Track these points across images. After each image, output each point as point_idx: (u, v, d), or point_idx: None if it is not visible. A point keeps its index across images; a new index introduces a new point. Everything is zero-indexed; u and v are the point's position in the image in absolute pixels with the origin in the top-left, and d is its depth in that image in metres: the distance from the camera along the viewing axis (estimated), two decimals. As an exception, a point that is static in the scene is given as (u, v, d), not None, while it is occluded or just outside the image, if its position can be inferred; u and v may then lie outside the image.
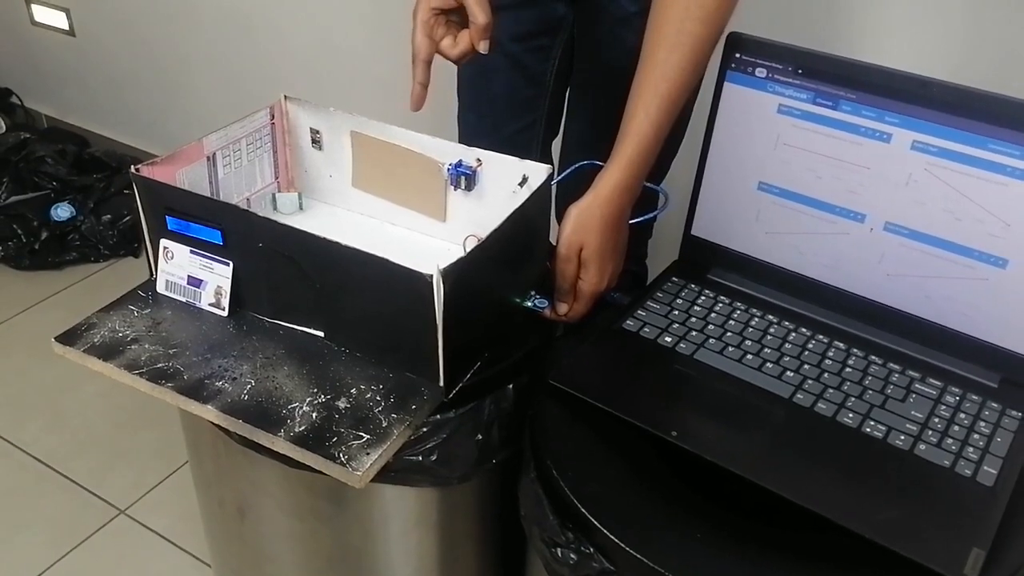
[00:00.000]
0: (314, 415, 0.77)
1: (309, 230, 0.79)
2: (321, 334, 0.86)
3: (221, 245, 0.86)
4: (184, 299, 0.90)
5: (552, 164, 1.34)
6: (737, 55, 0.89)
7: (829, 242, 0.90)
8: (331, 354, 0.84)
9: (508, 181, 0.94)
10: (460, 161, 0.95)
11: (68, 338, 0.85)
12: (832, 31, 1.38)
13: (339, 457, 0.73)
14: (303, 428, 0.76)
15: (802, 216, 0.91)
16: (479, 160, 0.94)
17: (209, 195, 0.96)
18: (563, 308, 0.91)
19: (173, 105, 2.27)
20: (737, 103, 0.90)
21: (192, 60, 2.14)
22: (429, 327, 0.78)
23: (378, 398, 0.80)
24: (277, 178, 1.06)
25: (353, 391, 0.80)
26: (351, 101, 1.83)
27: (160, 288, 0.91)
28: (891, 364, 0.86)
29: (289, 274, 0.84)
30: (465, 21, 0.95)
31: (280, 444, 0.75)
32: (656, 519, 0.74)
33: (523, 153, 1.23)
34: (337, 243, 0.78)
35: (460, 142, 0.99)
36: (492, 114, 1.25)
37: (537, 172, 0.92)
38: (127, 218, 2.15)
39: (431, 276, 0.74)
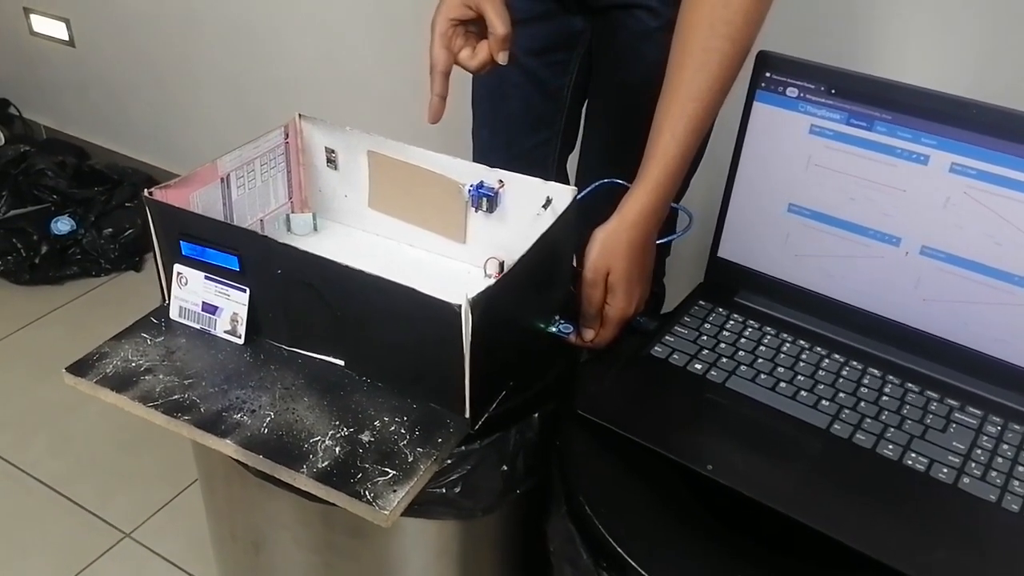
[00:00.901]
0: (337, 449, 0.75)
1: (325, 253, 0.77)
2: (341, 363, 0.83)
3: (238, 271, 0.83)
4: (199, 326, 0.87)
5: (568, 180, 1.33)
6: (767, 74, 0.87)
7: (862, 266, 0.88)
8: (352, 384, 0.82)
9: (531, 203, 0.91)
10: (481, 182, 0.92)
11: (79, 368, 0.82)
12: (849, 46, 1.36)
13: (365, 495, 0.71)
14: (326, 464, 0.73)
15: (834, 239, 0.88)
16: (501, 181, 0.92)
17: (223, 218, 0.94)
18: (589, 334, 0.89)
19: (175, 117, 2.24)
20: (767, 123, 0.88)
21: (195, 71, 2.12)
22: (456, 357, 0.75)
23: (403, 431, 0.77)
24: (291, 198, 1.03)
25: (376, 423, 0.77)
26: (357, 115, 1.81)
27: (173, 315, 0.88)
28: (928, 392, 0.83)
29: (308, 302, 0.81)
30: (483, 32, 0.93)
31: (302, 481, 0.72)
32: (694, 558, 0.71)
33: (539, 170, 1.20)
34: (360, 271, 0.75)
35: (474, 159, 0.97)
36: (507, 130, 1.23)
37: (561, 194, 0.89)
38: (129, 232, 2.12)
39: (459, 306, 0.72)
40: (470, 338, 0.73)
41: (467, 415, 0.79)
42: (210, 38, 2.03)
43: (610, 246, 0.86)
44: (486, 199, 0.92)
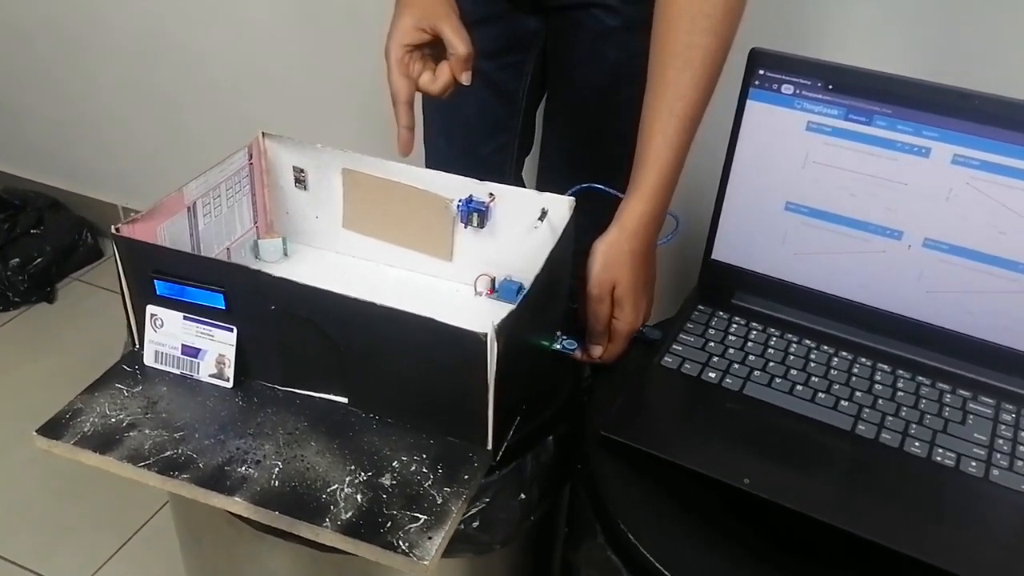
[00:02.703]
0: (359, 497, 0.69)
1: (299, 279, 0.71)
2: (344, 401, 0.78)
3: (223, 310, 0.76)
4: (179, 371, 0.80)
5: (524, 185, 1.29)
6: (761, 72, 0.85)
7: (864, 261, 0.87)
8: (359, 423, 0.76)
9: (524, 216, 0.87)
10: (471, 196, 0.88)
11: (52, 430, 0.74)
12: (832, 39, 1.33)
13: (399, 545, 0.65)
14: (350, 514, 0.67)
15: (834, 235, 0.87)
16: (492, 194, 0.87)
17: (191, 249, 0.87)
18: (598, 351, 0.85)
19: (79, 134, 2.10)
20: (761, 122, 0.86)
21: (101, 83, 1.98)
22: (478, 388, 0.70)
23: (424, 470, 0.72)
24: (255, 223, 0.96)
25: (395, 464, 0.72)
26: (289, 127, 1.71)
27: (148, 361, 0.80)
28: (940, 384, 0.83)
29: (306, 338, 0.75)
30: (440, 53, 0.88)
31: (327, 536, 0.67)
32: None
33: (497, 175, 1.16)
34: (369, 303, 0.70)
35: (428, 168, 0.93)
36: (465, 137, 1.18)
37: (558, 205, 0.85)
38: (38, 260, 1.97)
39: (485, 335, 0.67)
40: (495, 367, 0.69)
41: (489, 447, 0.74)
42: (118, 47, 1.90)
43: (613, 258, 0.83)
44: (476, 214, 0.88)
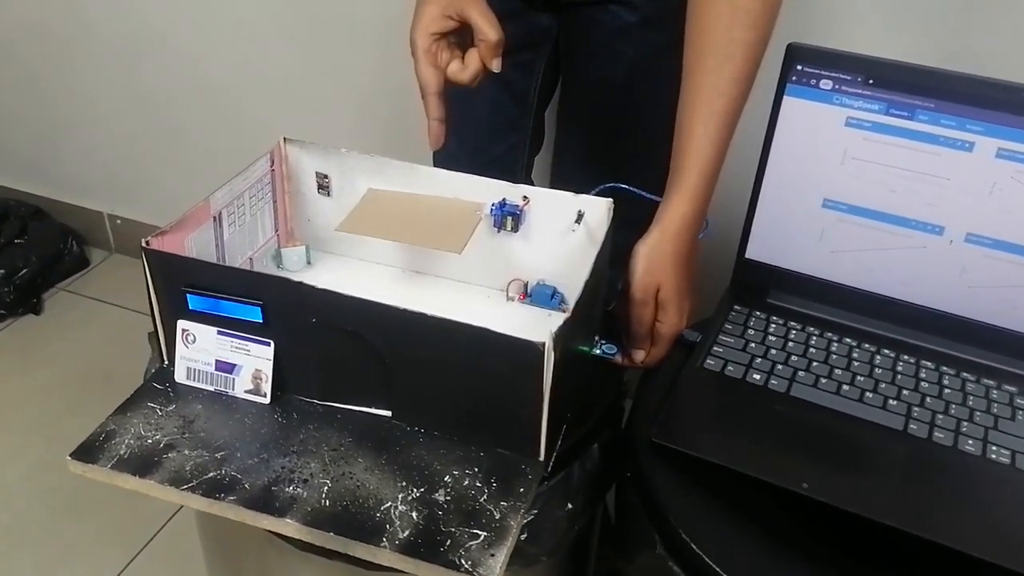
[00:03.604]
0: (414, 515, 0.67)
1: (325, 287, 0.69)
2: (388, 414, 0.75)
3: (260, 323, 0.73)
4: (213, 388, 0.77)
5: (532, 183, 1.26)
6: (798, 67, 0.83)
7: (904, 257, 0.86)
8: (405, 437, 0.74)
9: (560, 218, 0.85)
10: (504, 200, 0.85)
11: (86, 453, 0.71)
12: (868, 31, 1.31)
13: (462, 564, 0.63)
14: (407, 533, 0.65)
15: (873, 232, 0.86)
16: (526, 197, 0.85)
17: (216, 260, 0.83)
18: (640, 355, 0.84)
19: (61, 141, 2.04)
20: (799, 118, 0.85)
21: (84, 90, 1.93)
22: (533, 398, 0.68)
23: (478, 484, 0.70)
24: (277, 231, 0.93)
25: (447, 479, 0.70)
26: (276, 125, 1.67)
27: (180, 377, 0.77)
28: (984, 380, 0.82)
29: (349, 350, 0.72)
30: (467, 41, 0.86)
31: (385, 556, 0.64)
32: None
33: (509, 176, 1.14)
34: (421, 313, 0.67)
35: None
36: (476, 137, 1.16)
37: (595, 207, 0.83)
38: (23, 271, 1.92)
39: (543, 344, 0.65)
40: (551, 376, 0.67)
41: (541, 457, 0.72)
42: (101, 51, 1.85)
43: (656, 261, 0.81)
44: (511, 217, 0.85)
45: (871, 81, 0.81)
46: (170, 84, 1.82)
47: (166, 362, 0.79)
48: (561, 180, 1.21)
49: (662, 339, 0.83)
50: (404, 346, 0.70)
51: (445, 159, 1.18)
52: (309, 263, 0.93)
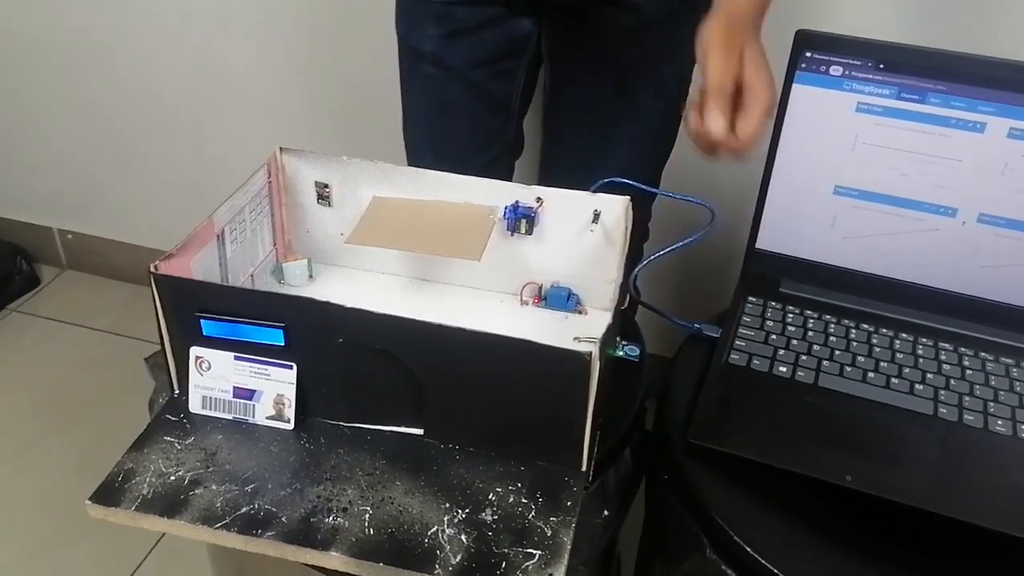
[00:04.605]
0: (463, 538, 0.64)
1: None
2: (419, 432, 0.72)
3: (282, 346, 0.70)
4: (232, 416, 0.73)
5: None
6: (807, 54, 0.83)
7: (916, 240, 0.86)
8: (441, 455, 0.71)
9: (575, 219, 0.83)
10: (517, 203, 0.83)
11: (106, 496, 0.66)
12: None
13: (522, 586, 0.61)
14: (460, 558, 0.63)
15: (885, 217, 0.86)
16: (539, 199, 0.83)
17: (220, 280, 0.80)
18: (719, 122, 0.69)
19: (5, 157, 1.95)
20: (808, 105, 0.84)
21: (27, 102, 1.84)
22: (577, 409, 0.66)
23: (524, 500, 0.67)
24: (275, 245, 0.90)
25: (491, 497, 0.67)
26: (230, 133, 1.60)
27: (195, 407, 0.74)
28: (1003, 359, 0.83)
29: (378, 370, 0.70)
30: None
31: (441, 584, 0.62)
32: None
33: None
34: (459, 328, 0.65)
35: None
36: (456, 151, 1.10)
37: (612, 206, 0.81)
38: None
39: (589, 353, 0.63)
40: (595, 385, 0.65)
41: (583, 467, 0.70)
42: (43, 61, 1.77)
43: (738, 23, 0.70)
44: (525, 220, 0.83)
45: (881, 66, 0.81)
46: (118, 95, 1.75)
47: (176, 391, 0.75)
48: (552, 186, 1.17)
49: (757, 103, 0.70)
50: (439, 363, 0.67)
51: None
52: (311, 277, 0.89)
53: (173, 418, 0.73)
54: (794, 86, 0.84)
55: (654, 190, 0.98)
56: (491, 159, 1.14)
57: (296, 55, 1.56)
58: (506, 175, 1.17)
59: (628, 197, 0.81)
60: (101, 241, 1.97)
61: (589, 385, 0.65)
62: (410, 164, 1.10)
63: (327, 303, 0.67)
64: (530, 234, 0.84)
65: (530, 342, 0.64)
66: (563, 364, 0.64)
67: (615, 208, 0.82)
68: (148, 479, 0.68)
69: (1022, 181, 0.80)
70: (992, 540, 0.67)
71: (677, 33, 0.93)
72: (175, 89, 1.69)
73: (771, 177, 0.88)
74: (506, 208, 0.83)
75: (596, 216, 0.82)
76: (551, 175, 1.15)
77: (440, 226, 0.82)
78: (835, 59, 0.82)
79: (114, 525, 0.66)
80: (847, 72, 0.82)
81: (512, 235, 0.84)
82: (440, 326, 0.65)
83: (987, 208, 0.83)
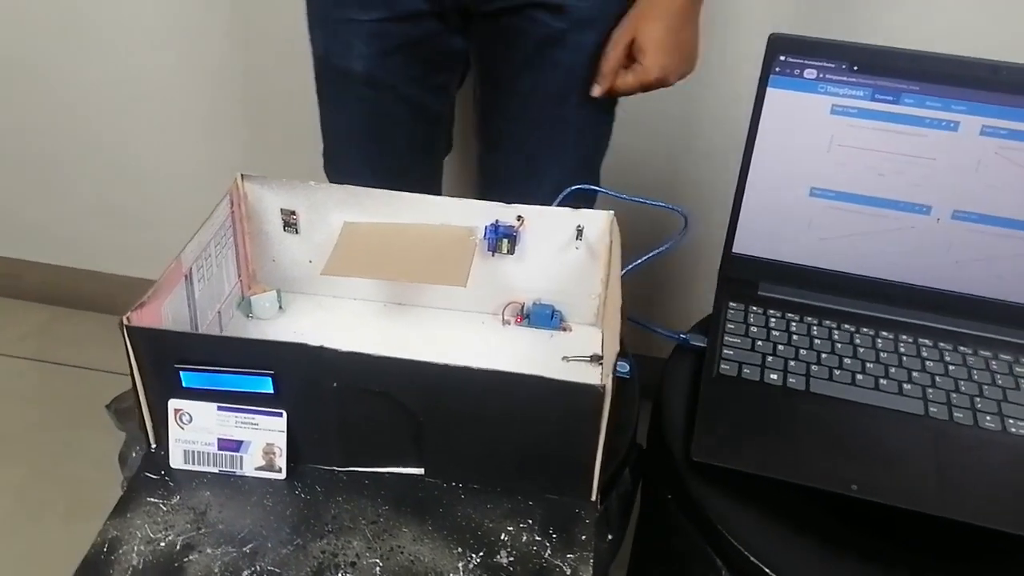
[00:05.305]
0: (482, 584, 0.62)
1: (304, 333, 0.63)
2: (419, 472, 0.69)
3: (271, 394, 0.66)
4: (218, 469, 0.69)
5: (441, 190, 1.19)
6: (781, 57, 0.82)
7: (893, 239, 0.86)
8: (445, 495, 0.68)
9: (557, 236, 0.81)
10: (497, 222, 0.80)
11: (92, 570, 0.62)
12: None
13: (549, 633, 0.59)
14: (482, 607, 0.60)
15: (861, 217, 0.86)
16: (520, 217, 0.80)
17: (189, 322, 0.75)
18: (597, 90, 0.97)
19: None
20: (783, 109, 0.83)
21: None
22: (588, 439, 0.65)
23: (537, 537, 0.65)
24: (240, 277, 0.85)
25: (503, 537, 0.65)
26: (151, 149, 1.51)
27: (176, 463, 0.69)
28: (982, 351, 0.84)
29: (374, 412, 0.66)
30: None
31: (465, 637, 0.59)
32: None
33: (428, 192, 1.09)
34: (465, 367, 0.62)
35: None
36: (392, 165, 1.07)
37: (595, 221, 0.80)
38: None
39: (603, 387, 0.61)
40: (607, 416, 0.63)
41: (594, 498, 0.68)
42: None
43: (637, 10, 0.92)
44: (507, 240, 0.80)
45: (855, 68, 0.81)
46: (28, 109, 1.64)
47: (154, 446, 0.70)
48: (494, 195, 1.12)
49: (626, 82, 0.94)
50: (443, 402, 0.65)
51: None
52: (281, 308, 0.85)
53: (153, 476, 0.68)
54: (769, 90, 0.83)
55: (622, 196, 0.96)
56: (428, 170, 1.11)
57: (213, 64, 1.49)
58: (440, 179, 1.15)
59: (611, 212, 0.80)
60: (11, 262, 1.86)
61: (602, 417, 0.63)
62: (344, 177, 1.05)
63: (321, 348, 0.63)
64: (512, 254, 0.81)
65: (541, 378, 0.61)
66: (576, 398, 0.62)
67: (598, 223, 0.80)
68: (136, 547, 0.63)
69: (994, 177, 0.82)
70: (994, 538, 0.68)
71: (606, 33, 0.95)
72: (89, 102, 1.60)
73: (747, 182, 0.87)
74: (486, 228, 0.80)
75: (579, 232, 0.80)
76: (495, 186, 1.11)
77: (419, 251, 0.79)
78: (809, 62, 0.82)
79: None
80: (821, 75, 0.82)
81: (493, 255, 0.81)
82: (445, 366, 0.62)
83: (961, 205, 0.84)
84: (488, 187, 1.13)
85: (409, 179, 1.09)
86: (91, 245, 1.80)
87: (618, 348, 0.65)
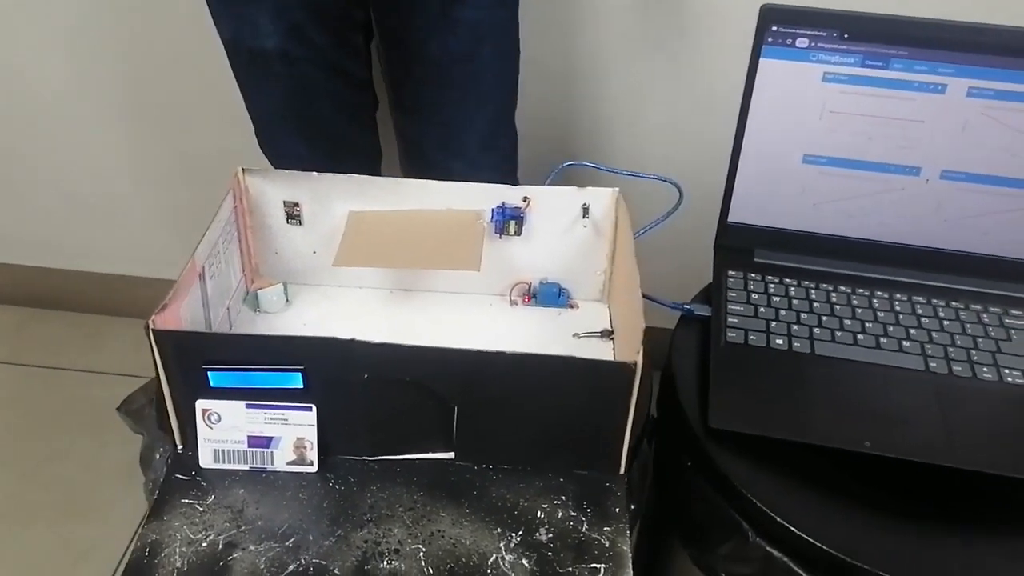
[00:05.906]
0: (524, 562, 0.63)
1: (314, 324, 0.66)
2: (450, 456, 0.70)
3: (301, 389, 0.66)
4: (249, 467, 0.69)
5: (380, 150, 1.17)
6: (774, 28, 0.83)
7: (884, 201, 0.89)
8: (476, 477, 0.69)
9: (563, 215, 0.82)
10: (504, 204, 0.81)
11: (138, 575, 0.62)
12: None
13: (597, 605, 0.61)
14: (528, 584, 0.62)
15: (853, 181, 0.88)
16: (526, 198, 0.81)
17: (203, 321, 0.74)
18: None
19: None
20: (776, 78, 0.85)
21: None
22: (618, 417, 0.66)
23: (572, 513, 0.67)
24: (244, 271, 0.84)
25: (540, 515, 0.67)
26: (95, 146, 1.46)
27: (206, 462, 0.69)
28: (972, 305, 0.87)
29: (405, 401, 0.67)
30: None
31: (514, 615, 0.61)
32: (921, 547, 0.70)
33: (365, 157, 1.08)
34: (497, 352, 0.63)
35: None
36: (328, 134, 1.07)
37: (600, 198, 0.81)
38: None
39: (635, 363, 0.62)
40: (637, 392, 0.65)
41: (622, 471, 0.70)
42: None
43: None
44: (514, 221, 0.81)
45: (846, 35, 0.83)
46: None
47: (181, 446, 0.70)
48: (423, 164, 1.10)
49: None
50: (475, 388, 0.65)
51: (299, 166, 1.07)
52: (288, 301, 0.85)
53: (184, 477, 0.68)
54: (761, 61, 0.84)
55: (614, 170, 0.97)
56: (362, 129, 1.11)
57: (169, 56, 1.46)
58: (376, 136, 1.15)
59: (615, 189, 0.81)
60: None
61: (632, 393, 0.64)
62: (278, 167, 1.02)
63: (352, 340, 0.63)
64: (519, 235, 0.82)
65: (574, 358, 0.63)
66: (607, 377, 0.63)
67: (603, 200, 0.81)
68: (179, 549, 0.63)
69: (981, 137, 0.84)
70: (999, 483, 0.71)
71: None
72: (49, 98, 1.56)
73: (741, 152, 0.89)
74: (493, 210, 0.81)
75: (585, 211, 0.81)
76: (418, 151, 1.10)
77: (428, 237, 0.79)
78: (801, 31, 0.83)
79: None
80: (813, 43, 0.83)
81: (500, 237, 0.82)
82: (479, 352, 0.63)
83: (949, 165, 0.86)
84: (414, 155, 1.12)
85: (345, 143, 1.09)
86: (58, 244, 1.76)
87: (642, 323, 0.66)
